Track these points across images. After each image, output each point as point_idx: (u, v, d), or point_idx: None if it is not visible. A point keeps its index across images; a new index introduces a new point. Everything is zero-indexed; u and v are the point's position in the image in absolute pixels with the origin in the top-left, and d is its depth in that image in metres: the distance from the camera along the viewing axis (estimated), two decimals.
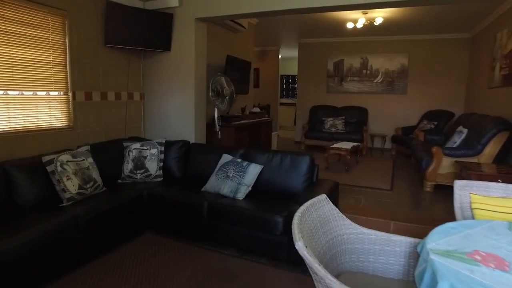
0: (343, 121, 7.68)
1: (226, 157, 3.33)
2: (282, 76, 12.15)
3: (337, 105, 8.11)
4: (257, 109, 6.01)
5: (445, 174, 4.37)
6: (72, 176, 2.81)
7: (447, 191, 4.26)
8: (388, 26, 6.42)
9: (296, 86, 12.41)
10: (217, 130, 4.11)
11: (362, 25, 5.69)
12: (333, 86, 8.16)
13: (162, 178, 3.50)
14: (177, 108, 4.09)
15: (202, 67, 4.10)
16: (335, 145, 5.59)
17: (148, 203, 3.16)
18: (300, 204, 1.63)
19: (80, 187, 2.84)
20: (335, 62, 8.06)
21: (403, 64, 7.46)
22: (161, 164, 3.53)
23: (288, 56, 11.06)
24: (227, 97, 4.12)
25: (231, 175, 3.12)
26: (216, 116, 4.05)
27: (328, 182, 3.10)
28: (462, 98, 7.15)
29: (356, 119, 7.72)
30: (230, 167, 3.18)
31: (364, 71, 7.80)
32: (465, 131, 4.89)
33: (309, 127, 7.70)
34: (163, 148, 3.58)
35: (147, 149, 3.52)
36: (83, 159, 3.02)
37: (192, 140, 4.04)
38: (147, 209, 3.18)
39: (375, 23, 5.52)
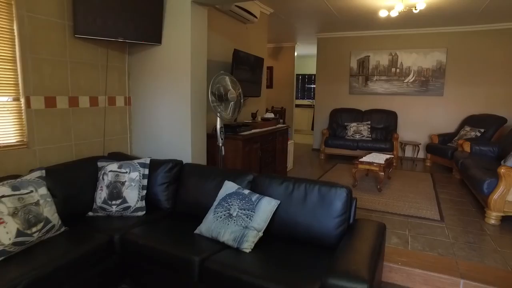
0: (369, 126, 6.70)
1: (229, 186, 2.44)
2: (297, 75, 11.21)
3: (361, 108, 7.13)
4: (270, 115, 5.11)
5: None
6: (7, 219, 1.97)
7: None
8: (427, 15, 5.42)
9: (313, 86, 11.44)
10: (220, 144, 3.22)
11: (397, 13, 4.71)
12: (356, 87, 7.18)
13: (144, 212, 2.63)
14: (170, 116, 3.22)
15: (200, 63, 3.21)
16: (365, 159, 4.64)
17: (121, 252, 2.29)
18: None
19: (20, 233, 1.99)
20: (359, 59, 7.08)
21: (440, 60, 6.43)
22: (144, 192, 2.66)
23: (304, 54, 10.11)
24: (232, 102, 3.23)
25: (235, 213, 2.23)
26: (218, 127, 3.16)
27: (371, 225, 2.18)
28: (511, 100, 6.08)
29: (384, 125, 6.73)
30: (234, 201, 2.29)
31: (393, 70, 6.80)
32: None
33: (329, 133, 6.75)
34: (146, 171, 2.71)
35: (126, 172, 2.66)
36: (30, 191, 2.17)
37: (188, 156, 3.17)
38: (120, 260, 2.32)
39: (414, 10, 4.54)
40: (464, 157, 4.76)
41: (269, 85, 9.11)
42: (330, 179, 5.00)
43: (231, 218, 2.21)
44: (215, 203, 2.39)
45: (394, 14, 4.76)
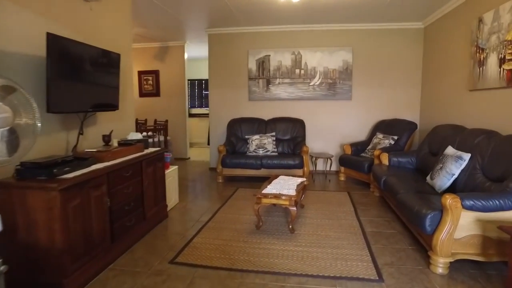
0: (274, 139, 5.62)
1: None
2: (192, 81, 9.77)
3: (264, 117, 6.03)
4: (137, 135, 3.54)
5: (464, 240, 2.51)
6: None
7: (476, 271, 2.40)
8: (330, 9, 4.53)
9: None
10: None
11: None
12: (257, 92, 6.07)
13: None
14: None
15: None
16: (270, 189, 3.42)
17: None
18: None
19: None
20: (258, 59, 5.98)
21: (346, 60, 5.70)
22: None
23: (198, 56, 8.73)
24: (5, 131, 1.64)
25: None
26: None
27: None
28: (417, 103, 5.65)
29: (291, 135, 5.74)
30: None
31: (297, 71, 5.87)
32: (467, 157, 3.13)
33: (227, 150, 5.46)
34: None
35: None
36: None
37: None
38: None
39: None
40: (385, 173, 3.93)
41: (155, 93, 7.48)
42: (229, 215, 3.66)
43: None
44: None
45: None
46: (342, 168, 5.37)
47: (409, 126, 5.04)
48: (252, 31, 5.96)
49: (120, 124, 3.69)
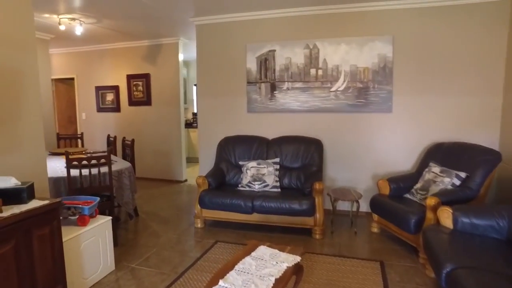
0: (277, 167, 3.98)
1: None
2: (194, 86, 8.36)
3: (267, 136, 4.41)
4: (6, 182, 2.11)
5: None
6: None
7: None
8: None
9: None
10: None
11: None
12: (258, 100, 4.46)
13: None
14: None
15: None
16: (228, 284, 1.81)
17: None
18: None
19: None
20: (260, 57, 4.39)
21: (384, 55, 3.92)
22: None
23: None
24: None
25: None
26: None
27: None
28: (497, 119, 3.72)
29: (302, 163, 4.06)
30: None
31: (313, 71, 4.19)
32: None
33: (210, 182, 3.91)
34: None
35: None
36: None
37: None
38: None
39: None
40: (449, 255, 2.14)
41: (146, 101, 6.15)
42: None
43: None
44: None
45: None
46: (376, 216, 3.59)
47: (487, 157, 3.14)
48: (251, 18, 4.38)
49: (11, 157, 2.30)
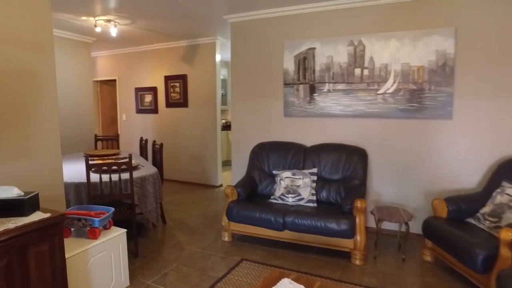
0: (314, 179, 3.56)
1: None
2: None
3: (304, 143, 4.00)
4: (8, 192, 1.95)
5: None
6: None
7: None
8: None
9: None
10: None
11: None
12: (295, 104, 4.06)
13: None
14: None
15: None
16: None
17: None
18: None
19: None
20: (298, 56, 3.99)
21: (443, 51, 3.33)
22: None
23: None
24: None
25: None
26: None
27: None
28: None
29: (343, 174, 3.59)
30: None
31: (358, 71, 3.70)
32: None
33: (239, 192, 3.59)
34: None
35: None
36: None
37: None
38: None
39: None
40: None
41: (183, 103, 6.02)
42: None
43: None
44: None
45: None
46: (429, 242, 3.02)
47: None
48: (289, 14, 4.00)
49: (24, 163, 2.18)
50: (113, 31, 4.42)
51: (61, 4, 3.86)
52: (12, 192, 1.98)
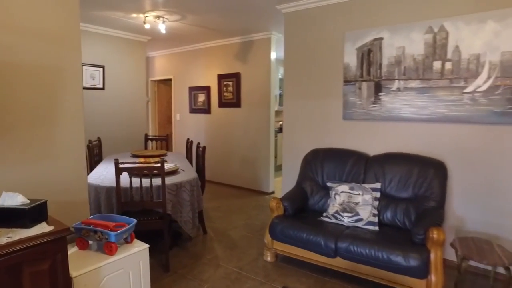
0: (377, 195, 2.93)
1: None
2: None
3: (366, 151, 3.38)
4: (12, 200, 1.73)
5: None
6: None
7: None
8: None
9: None
10: None
11: None
12: (357, 105, 3.45)
13: None
14: None
15: None
16: None
17: None
18: None
19: None
20: (361, 48, 3.37)
21: None
22: None
23: None
24: None
25: None
26: None
27: None
28: None
29: (413, 192, 2.90)
30: None
31: (437, 65, 2.97)
32: None
33: (286, 207, 3.10)
34: None
35: None
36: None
37: None
38: None
39: None
40: None
41: (236, 103, 5.72)
42: None
43: None
44: None
45: None
46: None
47: None
48: (351, 1, 3.41)
49: (43, 166, 2.00)
50: (162, 27, 4.24)
51: (110, 1, 3.76)
52: (16, 199, 1.76)
